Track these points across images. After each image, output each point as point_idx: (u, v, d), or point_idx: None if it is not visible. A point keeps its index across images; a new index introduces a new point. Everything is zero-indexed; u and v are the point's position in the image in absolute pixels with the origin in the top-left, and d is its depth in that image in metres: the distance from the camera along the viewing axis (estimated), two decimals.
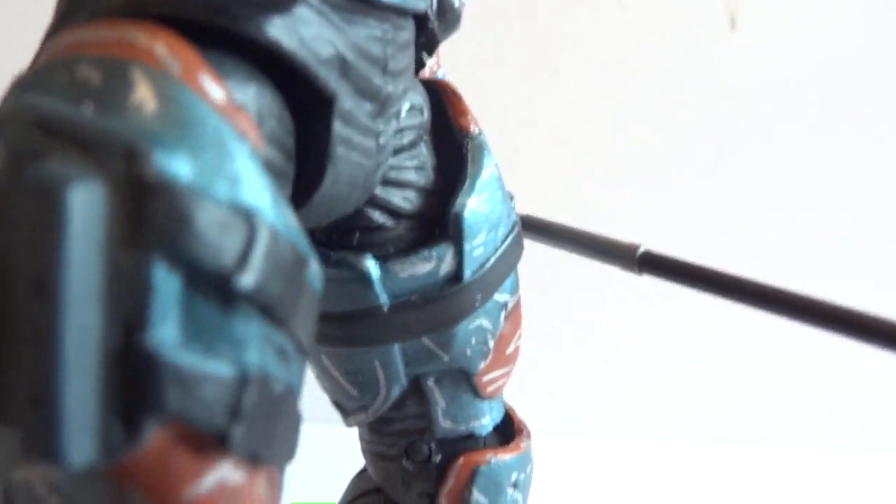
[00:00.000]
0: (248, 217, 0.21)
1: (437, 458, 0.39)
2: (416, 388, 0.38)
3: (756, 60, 0.80)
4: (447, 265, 0.35)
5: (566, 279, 0.83)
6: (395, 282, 0.34)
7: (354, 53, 0.28)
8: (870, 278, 0.80)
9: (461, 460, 0.39)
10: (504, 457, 0.39)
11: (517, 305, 0.39)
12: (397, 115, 0.32)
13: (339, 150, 0.28)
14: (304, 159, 0.28)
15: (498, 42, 0.79)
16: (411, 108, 0.34)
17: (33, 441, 0.19)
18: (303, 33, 0.26)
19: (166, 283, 0.20)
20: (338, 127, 0.28)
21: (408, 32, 0.31)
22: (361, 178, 0.30)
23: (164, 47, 0.22)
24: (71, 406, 0.19)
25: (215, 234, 0.21)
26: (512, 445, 0.40)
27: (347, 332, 0.35)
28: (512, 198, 0.39)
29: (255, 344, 0.22)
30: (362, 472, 0.44)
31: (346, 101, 0.28)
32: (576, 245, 0.40)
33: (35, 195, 0.19)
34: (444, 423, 0.38)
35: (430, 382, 0.37)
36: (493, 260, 0.36)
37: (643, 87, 0.80)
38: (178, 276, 0.20)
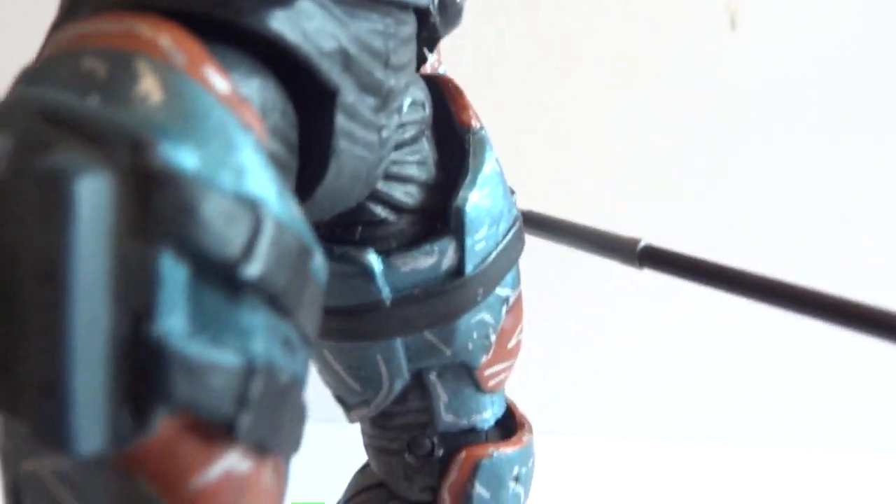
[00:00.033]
0: (253, 207, 0.22)
1: (440, 452, 0.39)
2: (418, 383, 0.38)
3: (756, 60, 0.80)
4: (449, 259, 0.35)
5: (566, 280, 0.84)
6: (398, 276, 0.35)
7: (357, 47, 0.28)
8: (869, 275, 0.80)
9: (463, 454, 0.39)
10: (506, 450, 0.39)
11: (518, 300, 0.39)
12: (399, 109, 0.32)
13: (342, 144, 0.28)
14: (307, 153, 0.28)
15: (499, 39, 0.79)
16: (413, 102, 0.34)
17: (43, 429, 0.19)
18: (305, 26, 0.26)
19: (173, 274, 0.20)
20: (340, 120, 0.28)
21: (409, 27, 0.31)
22: (364, 172, 0.31)
23: (169, 39, 0.23)
24: (80, 395, 0.19)
25: (221, 225, 0.21)
26: (514, 439, 0.40)
27: (350, 326, 0.36)
28: (513, 193, 0.39)
29: (261, 334, 0.22)
30: (365, 468, 0.44)
31: (349, 94, 0.28)
32: (576, 240, 0.40)
33: (42, 186, 0.19)
34: (447, 417, 0.39)
35: (433, 376, 0.38)
36: (494, 254, 0.36)
37: (644, 84, 0.81)
38: (185, 267, 0.20)
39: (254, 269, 0.21)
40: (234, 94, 0.23)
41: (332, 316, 0.35)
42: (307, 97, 0.27)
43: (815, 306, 0.30)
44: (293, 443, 0.25)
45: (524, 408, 0.43)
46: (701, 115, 0.81)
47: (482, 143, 0.36)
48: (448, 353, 0.37)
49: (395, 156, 0.34)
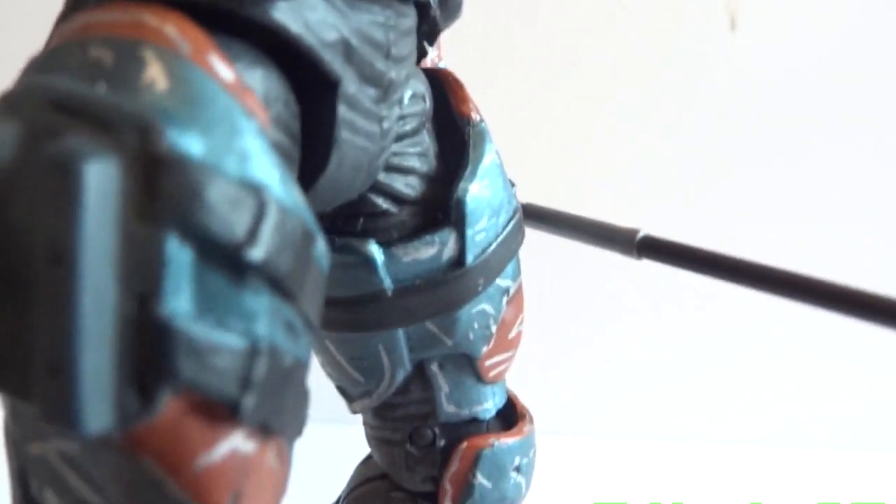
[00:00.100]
0: (257, 192, 0.22)
1: (442, 443, 0.39)
2: (420, 373, 0.38)
3: (755, 59, 0.80)
4: (450, 250, 0.35)
5: (567, 281, 0.84)
6: (399, 266, 0.35)
7: (358, 38, 0.28)
8: (869, 273, 0.80)
9: (465, 444, 0.39)
10: (507, 441, 0.40)
11: (519, 291, 0.39)
12: (400, 101, 0.33)
13: (344, 134, 0.29)
14: (309, 143, 0.28)
15: (500, 34, 0.79)
16: (413, 95, 0.34)
17: (51, 409, 0.20)
18: (308, 17, 0.26)
19: (179, 256, 0.21)
20: (342, 111, 0.28)
21: (410, 19, 0.32)
22: (365, 163, 0.31)
23: (175, 28, 0.23)
24: (87, 374, 0.20)
25: (226, 209, 0.21)
26: (515, 430, 0.40)
27: (352, 316, 0.36)
28: (513, 185, 0.39)
29: (265, 317, 0.22)
30: (368, 459, 0.44)
31: (351, 85, 0.28)
32: (575, 231, 0.40)
33: (52, 171, 0.19)
34: (448, 408, 0.39)
35: (434, 367, 0.38)
36: (494, 245, 0.36)
37: (643, 80, 0.81)
38: (191, 249, 0.21)
39: (258, 253, 0.22)
40: (238, 82, 0.24)
41: (335, 306, 0.35)
42: (309, 88, 0.27)
43: (814, 293, 0.30)
44: (297, 426, 0.25)
45: None
46: (700, 113, 0.82)
47: (482, 136, 0.37)
48: (449, 343, 0.37)
49: (395, 147, 0.34)
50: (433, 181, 0.36)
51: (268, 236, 0.22)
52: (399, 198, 0.35)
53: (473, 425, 0.40)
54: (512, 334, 0.39)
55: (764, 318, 0.83)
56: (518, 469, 0.40)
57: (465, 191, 0.35)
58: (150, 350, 0.20)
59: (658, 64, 0.81)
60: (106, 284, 0.20)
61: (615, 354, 0.86)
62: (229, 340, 0.21)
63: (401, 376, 0.38)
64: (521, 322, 0.40)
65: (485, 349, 0.38)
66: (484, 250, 0.36)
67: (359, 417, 0.43)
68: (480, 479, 0.39)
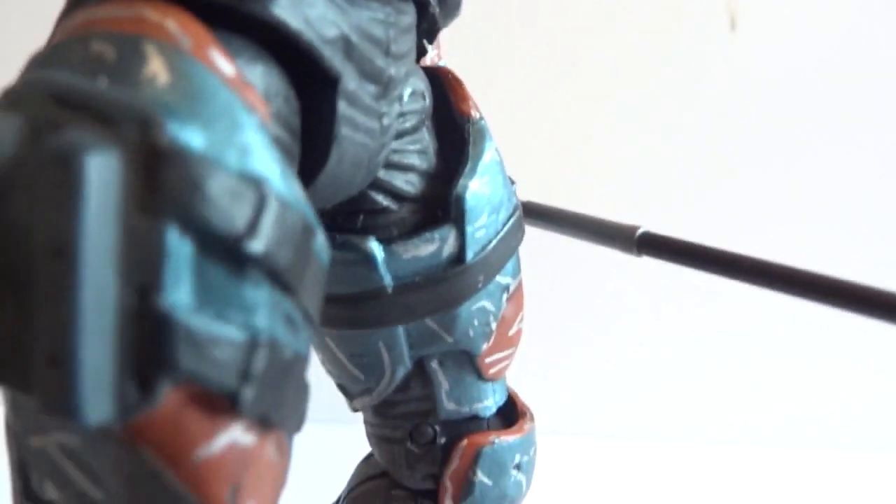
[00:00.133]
0: (257, 185, 0.22)
1: (442, 440, 0.39)
2: (420, 371, 0.38)
3: (754, 59, 0.80)
4: (450, 247, 0.35)
5: (567, 282, 0.84)
6: (399, 263, 0.35)
7: (358, 35, 0.29)
8: (868, 272, 0.80)
9: (465, 442, 0.39)
10: (507, 438, 0.40)
11: (519, 288, 0.39)
12: (400, 98, 0.33)
13: (344, 131, 0.29)
14: (310, 139, 0.28)
15: (500, 35, 0.80)
16: (413, 92, 0.35)
17: (52, 400, 0.20)
18: (308, 13, 0.26)
19: (179, 248, 0.21)
20: (342, 107, 0.28)
21: (409, 17, 0.32)
22: (365, 159, 0.31)
23: (176, 24, 0.23)
24: (88, 365, 0.20)
25: (226, 202, 0.21)
26: (515, 427, 0.40)
27: (352, 313, 0.36)
28: (513, 183, 0.39)
29: (265, 310, 0.23)
30: (368, 458, 0.44)
31: (350, 81, 0.29)
32: (575, 229, 0.40)
33: (54, 163, 0.20)
34: (448, 405, 0.39)
35: (434, 364, 0.38)
36: (494, 242, 0.36)
37: (643, 79, 0.81)
38: (191, 242, 0.21)
39: (258, 245, 0.22)
40: (239, 77, 0.24)
41: (335, 303, 0.36)
42: (309, 84, 0.28)
43: (813, 288, 0.30)
44: (297, 420, 0.25)
45: None
46: (699, 112, 0.82)
47: (482, 133, 0.37)
48: (449, 340, 0.37)
49: (395, 145, 0.34)
50: (433, 178, 0.36)
51: (268, 229, 0.22)
52: (399, 195, 0.35)
53: (474, 423, 0.40)
54: (512, 331, 0.39)
55: (764, 318, 0.83)
56: (518, 467, 0.40)
57: (465, 188, 0.35)
58: (150, 342, 0.20)
59: (658, 63, 0.81)
60: (106, 276, 0.20)
61: (615, 354, 0.86)
62: (229, 333, 0.22)
63: (401, 373, 0.38)
64: (522, 320, 0.40)
65: (485, 346, 0.38)
66: (484, 247, 0.36)
67: (358, 417, 0.43)
68: (481, 477, 0.39)
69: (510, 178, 0.39)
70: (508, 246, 0.37)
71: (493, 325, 0.38)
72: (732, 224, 0.81)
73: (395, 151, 0.35)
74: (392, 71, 0.31)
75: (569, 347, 0.86)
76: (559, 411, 0.84)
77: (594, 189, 0.81)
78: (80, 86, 0.22)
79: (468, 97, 0.38)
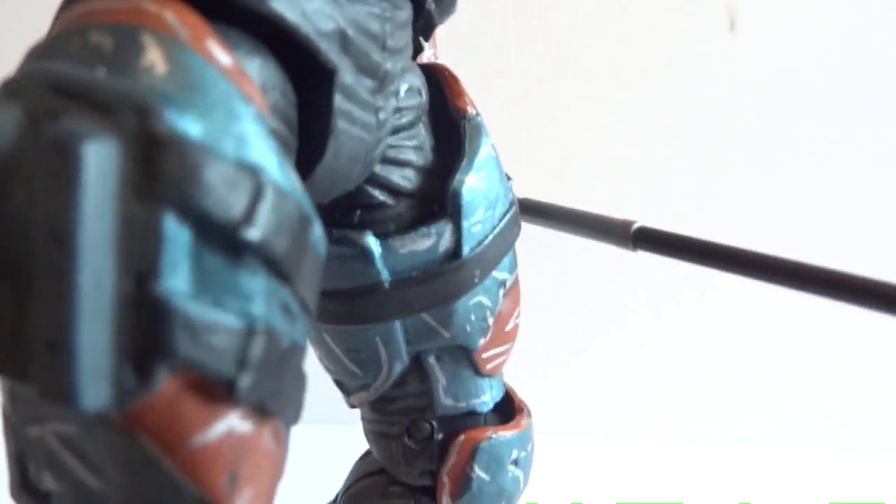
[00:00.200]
0: (254, 174, 0.22)
1: (439, 436, 0.39)
2: (417, 366, 0.38)
3: (754, 59, 0.81)
4: (446, 242, 0.36)
5: (567, 282, 0.84)
6: (396, 258, 0.35)
7: (354, 29, 0.29)
8: (867, 270, 0.80)
9: (462, 437, 0.39)
10: (505, 434, 0.40)
11: (516, 284, 0.39)
12: (396, 93, 0.33)
13: (341, 124, 0.29)
14: (307, 133, 0.29)
15: (497, 33, 0.80)
16: (409, 88, 0.35)
17: (49, 386, 0.20)
18: (305, 7, 0.27)
19: (177, 235, 0.21)
20: (339, 101, 0.28)
21: (405, 12, 0.32)
22: (362, 154, 0.31)
23: (173, 15, 0.23)
24: (85, 351, 0.20)
25: (223, 189, 0.22)
26: (513, 423, 0.40)
27: (349, 308, 0.36)
28: (510, 179, 0.39)
29: (261, 297, 0.23)
30: (366, 455, 0.44)
31: (347, 75, 0.29)
32: (571, 224, 0.40)
33: (52, 151, 0.20)
34: (446, 401, 0.39)
35: (431, 360, 0.38)
36: (491, 237, 0.37)
37: (641, 79, 0.81)
38: (189, 229, 0.21)
39: (254, 233, 0.22)
40: (236, 68, 0.24)
41: (332, 298, 0.36)
42: (306, 78, 0.28)
43: (810, 279, 0.30)
44: (294, 410, 0.25)
45: None
46: (698, 111, 0.82)
47: (478, 129, 0.37)
48: (446, 335, 0.37)
49: (392, 140, 0.35)
50: (429, 174, 0.36)
51: (264, 217, 0.22)
52: (396, 190, 0.35)
53: (471, 418, 0.40)
54: (509, 327, 0.39)
55: (764, 319, 0.83)
56: (516, 462, 0.40)
57: (462, 183, 0.36)
58: (147, 328, 0.21)
59: (655, 61, 0.81)
60: (104, 263, 0.20)
61: (615, 354, 0.86)
62: (226, 320, 0.22)
63: (398, 369, 0.38)
64: (518, 315, 0.40)
65: (482, 341, 0.38)
66: (480, 242, 0.36)
67: (355, 418, 0.43)
68: (478, 472, 0.39)
69: (507, 175, 0.39)
70: (505, 241, 0.38)
71: (490, 321, 0.38)
72: (732, 223, 0.82)
73: (392, 147, 0.35)
74: (388, 66, 0.31)
75: (568, 347, 0.86)
76: (559, 411, 0.85)
77: (592, 187, 0.81)
78: (78, 76, 0.22)
79: (464, 93, 0.38)
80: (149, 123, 0.21)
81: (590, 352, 0.86)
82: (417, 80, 0.36)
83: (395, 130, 0.35)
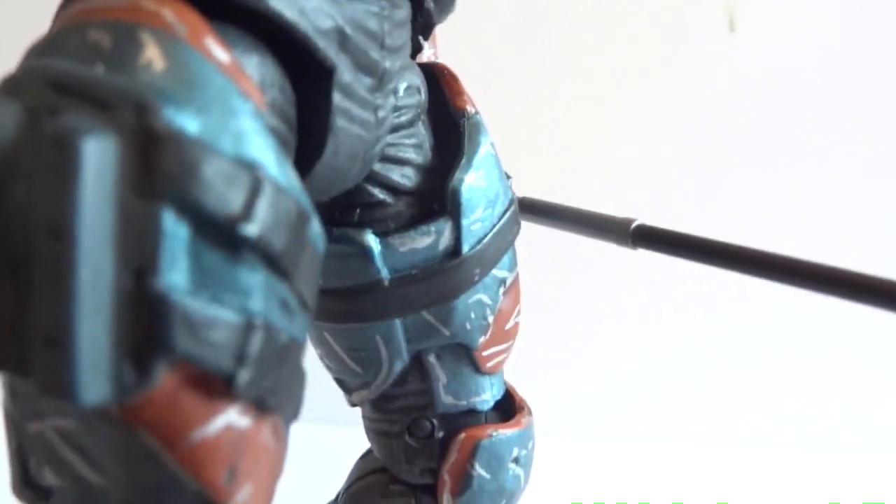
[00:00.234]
0: (252, 170, 0.22)
1: (440, 434, 0.40)
2: (417, 364, 0.38)
3: (754, 59, 0.81)
4: (446, 240, 0.36)
5: (568, 283, 0.84)
6: (396, 256, 0.35)
7: (352, 27, 0.29)
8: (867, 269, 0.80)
9: (463, 435, 0.39)
10: (506, 432, 0.40)
11: (515, 282, 0.39)
12: (395, 91, 0.33)
13: (339, 122, 0.29)
14: (306, 131, 0.29)
15: (497, 32, 0.80)
16: (408, 87, 0.35)
17: (49, 380, 0.20)
18: (303, 5, 0.27)
19: (175, 231, 0.21)
20: (337, 99, 0.29)
21: (404, 11, 0.32)
22: (361, 151, 0.31)
23: (172, 12, 0.24)
24: (85, 346, 0.20)
25: (221, 185, 0.22)
26: (513, 421, 0.41)
27: (350, 307, 0.36)
28: (509, 177, 0.40)
29: (260, 293, 0.23)
30: (367, 454, 0.44)
31: (346, 73, 0.29)
32: (570, 223, 0.40)
33: (51, 147, 0.20)
34: (446, 399, 0.39)
35: (432, 358, 0.38)
36: (490, 235, 0.37)
37: (641, 79, 0.81)
38: (187, 224, 0.21)
39: (253, 229, 0.22)
40: (234, 64, 0.24)
41: (332, 297, 0.36)
42: (304, 76, 0.28)
43: (811, 277, 0.30)
44: (294, 406, 0.25)
45: None
46: (698, 111, 0.82)
47: (477, 127, 0.37)
48: (447, 333, 0.37)
49: (391, 139, 0.35)
50: (429, 172, 0.36)
51: (262, 213, 0.22)
52: (395, 188, 0.36)
53: (471, 416, 0.40)
54: (509, 325, 0.39)
55: (763, 319, 0.83)
56: (517, 460, 0.40)
57: (461, 181, 0.36)
58: (146, 323, 0.21)
59: (657, 63, 0.81)
60: (103, 258, 0.20)
61: (615, 354, 0.86)
62: (224, 315, 0.22)
63: (398, 367, 0.38)
64: (519, 313, 0.40)
65: (482, 339, 0.38)
66: (480, 240, 0.36)
67: (355, 417, 0.43)
68: (479, 470, 0.39)
69: (506, 173, 0.39)
70: (504, 239, 0.38)
71: (490, 319, 0.38)
72: (731, 222, 0.81)
73: (391, 145, 0.35)
74: (387, 64, 0.31)
75: (568, 347, 0.86)
76: (559, 411, 0.85)
77: (592, 186, 0.81)
78: (77, 73, 0.22)
79: (463, 92, 0.38)
80: (147, 120, 0.21)
81: (590, 351, 0.86)
82: (416, 78, 0.36)
83: (395, 129, 0.35)
